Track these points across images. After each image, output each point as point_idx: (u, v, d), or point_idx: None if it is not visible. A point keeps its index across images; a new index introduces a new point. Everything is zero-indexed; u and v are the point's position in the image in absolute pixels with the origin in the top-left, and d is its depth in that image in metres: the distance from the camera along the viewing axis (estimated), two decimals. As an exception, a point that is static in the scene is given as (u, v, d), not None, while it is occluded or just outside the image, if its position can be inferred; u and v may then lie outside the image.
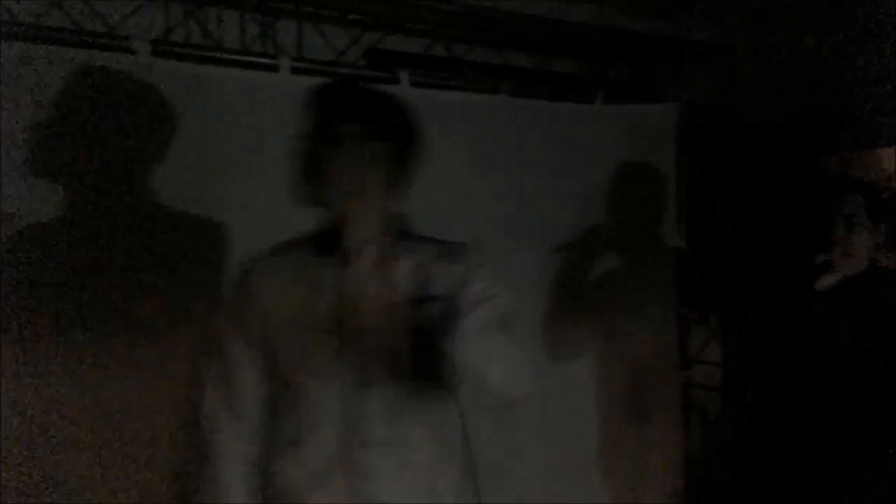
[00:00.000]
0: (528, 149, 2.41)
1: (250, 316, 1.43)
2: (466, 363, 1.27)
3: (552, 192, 2.45)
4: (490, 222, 2.31)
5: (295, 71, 2.12)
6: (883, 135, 3.52)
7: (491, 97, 2.40)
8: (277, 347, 1.41)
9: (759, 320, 3.33)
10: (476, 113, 2.36)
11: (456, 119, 2.30)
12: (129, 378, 1.86)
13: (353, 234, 1.40)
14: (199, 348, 1.78)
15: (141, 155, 1.90)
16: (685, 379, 2.91)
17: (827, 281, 1.94)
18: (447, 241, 1.48)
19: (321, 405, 1.36)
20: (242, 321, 1.44)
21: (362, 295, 1.36)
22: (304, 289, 1.39)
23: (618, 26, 2.74)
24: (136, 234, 1.88)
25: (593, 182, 2.52)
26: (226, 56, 2.10)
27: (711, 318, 3.23)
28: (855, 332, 1.90)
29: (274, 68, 2.10)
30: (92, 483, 1.83)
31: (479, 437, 2.07)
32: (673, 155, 2.77)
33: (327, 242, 1.41)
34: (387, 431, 1.36)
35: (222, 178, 1.98)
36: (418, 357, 1.27)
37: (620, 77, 2.97)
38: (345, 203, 1.38)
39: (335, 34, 2.42)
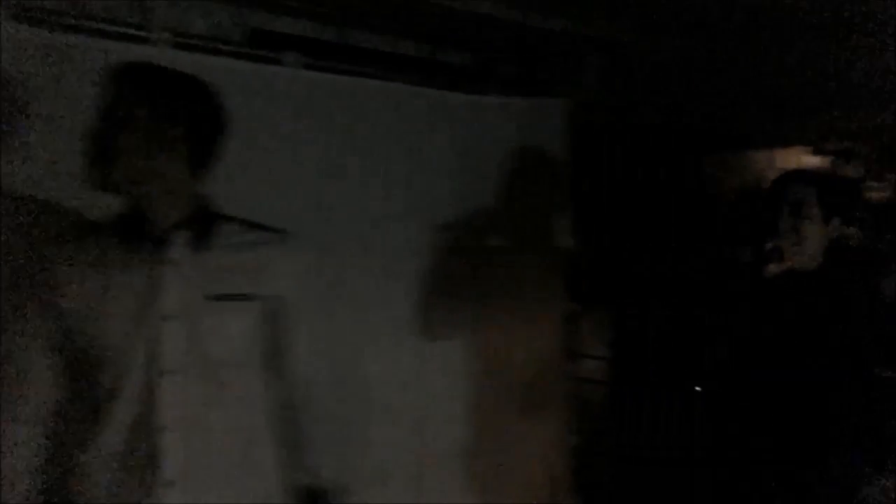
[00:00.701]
0: (417, 137, 2.37)
1: (48, 304, 1.38)
2: None
3: (440, 182, 2.42)
4: (374, 208, 2.27)
5: (176, 47, 1.99)
6: (767, 136, 3.72)
7: (383, 85, 2.34)
8: (79, 336, 1.37)
9: (648, 318, 3.44)
10: (367, 100, 2.29)
11: (345, 105, 2.24)
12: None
13: (158, 220, 1.38)
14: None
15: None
16: (572, 372, 2.94)
17: (775, 269, 1.81)
18: (266, 227, 1.48)
19: (121, 391, 1.34)
20: (39, 309, 1.40)
21: (172, 285, 1.36)
22: (110, 278, 1.35)
23: (510, 20, 2.73)
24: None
25: (482, 173, 2.50)
26: (92, 25, 1.94)
27: (599, 313, 3.30)
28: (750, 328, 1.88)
29: (147, 41, 1.96)
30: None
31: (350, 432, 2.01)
32: (563, 150, 2.78)
33: (132, 229, 1.38)
34: (185, 416, 1.35)
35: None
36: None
37: (512, 71, 2.96)
38: (141, 188, 1.36)
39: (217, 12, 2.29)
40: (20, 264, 1.60)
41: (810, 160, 4.48)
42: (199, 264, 1.39)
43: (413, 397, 2.35)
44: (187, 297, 1.36)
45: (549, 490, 2.68)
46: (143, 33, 1.99)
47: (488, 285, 2.51)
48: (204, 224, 1.41)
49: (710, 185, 3.91)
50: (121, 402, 1.33)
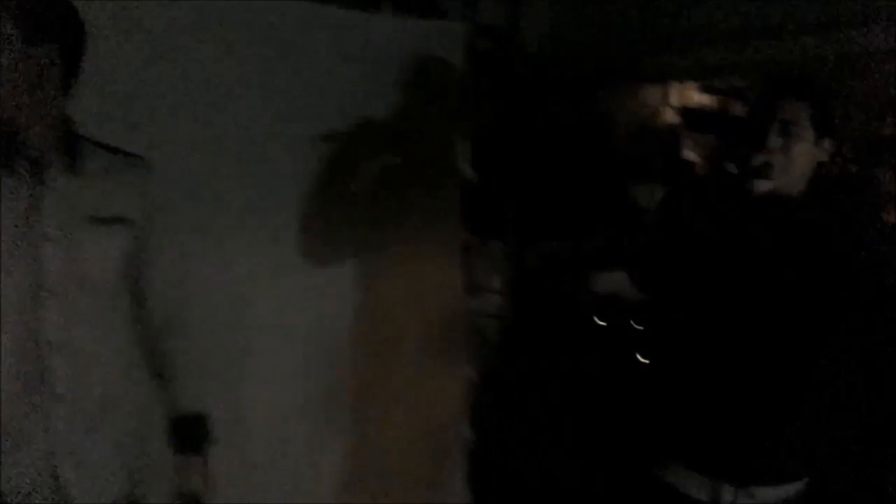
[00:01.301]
0: (305, 51, 2.20)
1: None
2: None
3: (327, 99, 2.26)
4: (253, 123, 2.10)
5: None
6: (659, 71, 3.72)
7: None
8: None
9: (544, 253, 3.43)
10: (245, 12, 2.10)
11: (222, 17, 2.04)
12: None
13: (32, 142, 1.38)
14: None
15: None
16: (470, 306, 2.89)
17: (763, 187, 1.60)
18: (125, 152, 1.51)
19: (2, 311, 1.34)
20: None
21: (50, 206, 1.38)
22: None
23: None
24: None
25: (374, 90, 2.35)
26: None
27: (495, 246, 3.26)
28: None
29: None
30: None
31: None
32: (459, 76, 2.67)
33: (7, 151, 1.37)
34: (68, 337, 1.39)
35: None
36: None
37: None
38: (14, 111, 1.34)
39: None
40: None
41: (701, 98, 4.56)
42: (73, 186, 1.41)
43: (300, 328, 2.23)
44: (64, 219, 1.39)
45: (447, 424, 2.64)
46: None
47: (380, 209, 2.39)
48: (73, 146, 1.43)
49: (606, 121, 3.91)
50: (4, 322, 1.34)
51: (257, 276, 2.13)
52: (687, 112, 4.44)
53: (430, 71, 2.55)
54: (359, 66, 2.32)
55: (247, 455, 2.09)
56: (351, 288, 2.36)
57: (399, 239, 2.45)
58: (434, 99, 2.58)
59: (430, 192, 2.58)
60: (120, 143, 1.52)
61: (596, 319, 3.19)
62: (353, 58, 2.30)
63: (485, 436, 2.88)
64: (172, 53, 1.96)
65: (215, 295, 1.99)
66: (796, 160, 1.60)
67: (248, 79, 2.10)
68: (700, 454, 1.65)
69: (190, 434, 1.57)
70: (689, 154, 4.47)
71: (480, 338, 2.97)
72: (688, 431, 1.68)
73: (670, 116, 4.33)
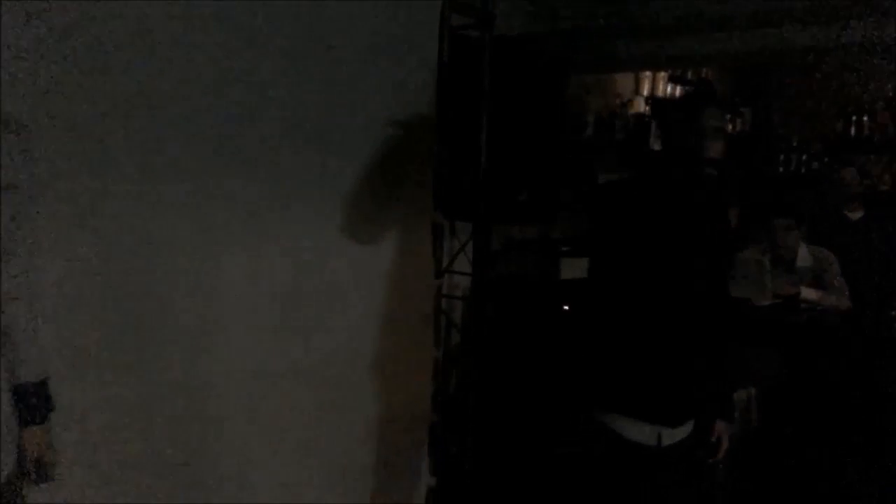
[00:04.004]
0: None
1: None
2: None
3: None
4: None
5: None
6: (629, 59, 3.71)
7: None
8: None
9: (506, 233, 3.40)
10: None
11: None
12: None
13: None
14: None
15: None
16: (437, 287, 2.85)
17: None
18: None
19: None
20: None
21: None
22: None
23: None
24: None
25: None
26: None
27: (460, 228, 3.21)
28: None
29: None
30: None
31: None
32: (433, 54, 2.63)
33: None
34: None
35: None
36: None
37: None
38: None
39: None
40: None
41: (666, 86, 4.58)
42: None
43: (266, 306, 2.16)
44: None
45: (411, 403, 2.61)
46: None
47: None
48: None
49: (575, 106, 3.89)
50: None
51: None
52: (656, 101, 4.45)
53: (403, 46, 2.50)
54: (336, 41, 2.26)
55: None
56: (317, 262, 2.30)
57: (390, 218, 2.42)
58: (409, 75, 2.53)
59: (408, 169, 2.54)
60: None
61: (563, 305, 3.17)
62: (328, 35, 2.23)
63: (449, 418, 2.85)
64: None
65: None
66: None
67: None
68: (644, 405, 1.86)
69: (31, 403, 1.52)
70: (657, 143, 4.49)
71: (446, 319, 2.92)
72: (634, 387, 1.86)
73: (640, 105, 4.33)
